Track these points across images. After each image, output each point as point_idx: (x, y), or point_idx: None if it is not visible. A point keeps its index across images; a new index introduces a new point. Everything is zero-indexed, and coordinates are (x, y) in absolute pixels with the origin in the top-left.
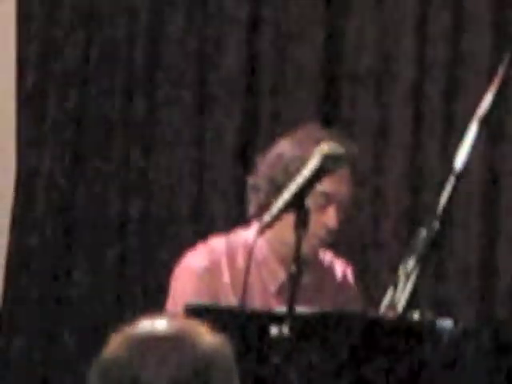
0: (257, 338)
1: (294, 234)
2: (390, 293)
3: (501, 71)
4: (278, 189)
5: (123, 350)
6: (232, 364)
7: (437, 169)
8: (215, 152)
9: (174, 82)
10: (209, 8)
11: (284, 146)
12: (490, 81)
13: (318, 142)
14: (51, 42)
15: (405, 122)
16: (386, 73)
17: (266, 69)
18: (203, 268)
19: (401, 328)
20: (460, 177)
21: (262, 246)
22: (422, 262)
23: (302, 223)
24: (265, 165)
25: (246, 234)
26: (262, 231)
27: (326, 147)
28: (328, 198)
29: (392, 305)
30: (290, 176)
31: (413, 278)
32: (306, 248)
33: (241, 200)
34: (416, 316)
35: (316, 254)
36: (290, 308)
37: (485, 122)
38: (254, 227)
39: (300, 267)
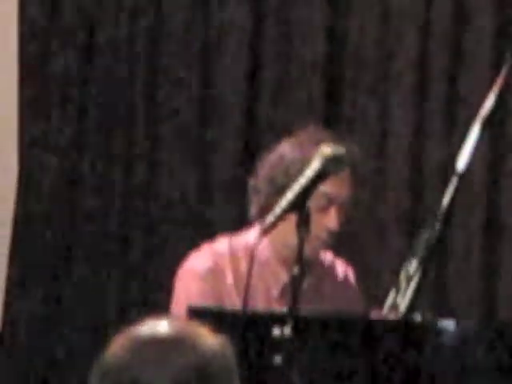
0: (259, 340)
1: (295, 235)
2: (392, 294)
3: (503, 72)
4: (278, 191)
5: (124, 351)
6: (233, 366)
7: (438, 169)
8: (217, 153)
9: (174, 82)
10: (210, 8)
11: (285, 148)
12: (492, 81)
13: (318, 143)
14: (52, 42)
15: (406, 123)
16: (388, 73)
17: (267, 69)
18: (207, 269)
19: (403, 329)
20: (462, 178)
21: (264, 248)
22: (424, 263)
23: (303, 225)
24: (265, 167)
25: (248, 236)
26: (263, 233)
27: (327, 149)
28: (329, 200)
29: (394, 306)
30: (290, 178)
31: (415, 279)
32: (307, 250)
33: (242, 202)
34: (418, 317)
35: (317, 256)
36: (292, 309)
37: (487, 123)
38: (256, 229)
39: (302, 269)
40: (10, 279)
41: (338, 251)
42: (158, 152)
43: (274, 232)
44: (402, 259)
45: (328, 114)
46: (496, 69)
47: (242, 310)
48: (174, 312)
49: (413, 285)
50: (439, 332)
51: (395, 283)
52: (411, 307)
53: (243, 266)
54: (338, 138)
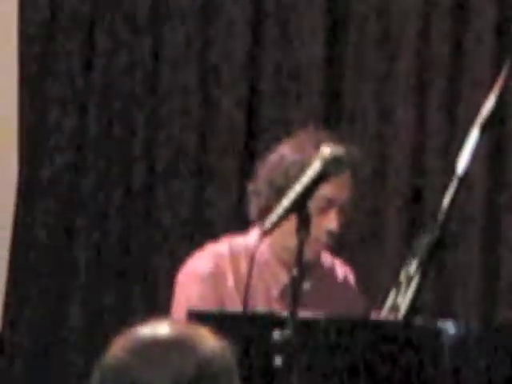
0: (259, 342)
1: (295, 237)
2: (392, 296)
3: (503, 73)
4: (278, 192)
5: (125, 353)
6: (233, 368)
7: (439, 170)
8: (217, 155)
9: (175, 83)
10: (211, 8)
11: (284, 150)
12: (492, 82)
13: (318, 145)
14: (53, 42)
15: (407, 123)
16: (388, 73)
17: (268, 70)
18: (208, 272)
19: (403, 331)
20: (462, 180)
21: (264, 250)
22: (424, 265)
23: (303, 227)
24: (265, 169)
25: (248, 238)
26: (263, 235)
27: (327, 151)
28: (329, 202)
29: (394, 308)
30: (290, 180)
31: (415, 280)
32: (307, 251)
33: (242, 203)
34: (418, 319)
35: (318, 258)
36: (293, 312)
37: (487, 125)
38: (256, 231)
39: (302, 271)
40: (10, 282)
41: (337, 252)
42: (159, 154)
43: (274, 234)
44: (402, 260)
45: (328, 115)
46: (496, 69)
47: (243, 312)
48: (174, 314)
49: (413, 285)
50: (439, 333)
51: (395, 284)
52: (411, 308)
53: (244, 267)
54: (338, 140)
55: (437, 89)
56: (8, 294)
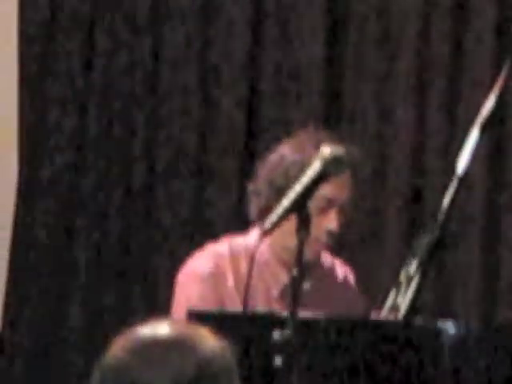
0: (259, 342)
1: (295, 238)
2: (392, 296)
3: (503, 74)
4: (278, 193)
5: (125, 353)
6: (233, 368)
7: (439, 170)
8: (217, 155)
9: (175, 83)
10: (211, 8)
11: (284, 150)
12: (493, 82)
13: (318, 145)
14: (53, 42)
15: (407, 123)
16: (389, 73)
17: (268, 70)
18: (208, 272)
19: (403, 331)
20: (462, 180)
21: (264, 250)
22: (424, 265)
23: (303, 227)
24: (265, 169)
25: (248, 238)
26: (263, 235)
27: (327, 151)
28: (329, 202)
29: (394, 308)
30: (290, 180)
31: (415, 280)
32: (307, 252)
33: (242, 203)
34: (418, 319)
35: (318, 258)
36: (293, 312)
37: (487, 126)
38: (256, 231)
39: (302, 271)
40: (10, 282)
41: (337, 252)
42: (160, 156)
43: (274, 234)
44: (402, 260)
45: (328, 115)
46: (497, 69)
47: (242, 311)
48: (174, 314)
49: (413, 285)
50: (439, 333)
51: (395, 284)
52: (411, 308)
53: (244, 267)
54: (338, 140)
55: (437, 89)
56: (8, 294)
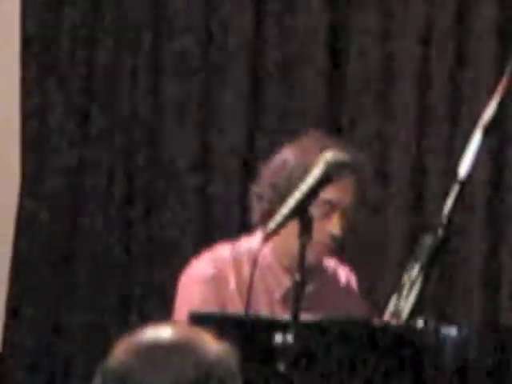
0: (261, 346)
1: (297, 242)
2: (394, 300)
3: (505, 78)
4: (281, 196)
5: (127, 356)
6: (236, 372)
7: (441, 172)
8: (220, 159)
9: (178, 85)
10: (213, 7)
11: (288, 154)
12: (494, 85)
13: (322, 149)
14: (55, 42)
15: (408, 126)
16: (390, 75)
17: (270, 72)
18: (210, 275)
19: (405, 335)
20: (464, 184)
21: (267, 254)
22: (426, 269)
23: (305, 231)
24: (268, 172)
25: (251, 242)
26: (266, 239)
27: (329, 155)
28: (332, 206)
29: (396, 312)
30: (293, 184)
31: (417, 284)
32: (310, 256)
33: (245, 208)
34: (420, 323)
35: (320, 262)
36: (295, 316)
37: (489, 129)
38: (259, 235)
39: (304, 275)
40: (12, 277)
41: (340, 256)
42: (161, 159)
43: (276, 238)
44: (404, 264)
45: (330, 119)
46: (499, 72)
47: (245, 315)
48: (176, 317)
49: (415, 290)
50: (441, 338)
51: (397, 288)
52: (413, 313)
53: (246, 270)
54: (341, 144)
55: (438, 92)
56: (10, 293)
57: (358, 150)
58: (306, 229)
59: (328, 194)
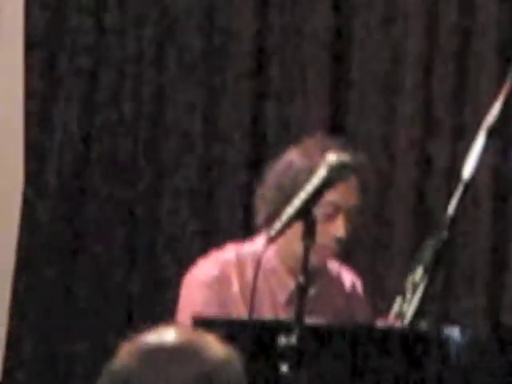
0: (265, 349)
1: (301, 244)
2: (397, 302)
3: (509, 80)
4: (286, 198)
5: (132, 359)
6: (241, 375)
7: (445, 173)
8: (224, 160)
9: (181, 87)
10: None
11: (292, 156)
12: (498, 88)
13: (326, 151)
14: (59, 43)
15: (412, 128)
16: (393, 77)
17: (273, 75)
18: (213, 277)
19: (409, 338)
20: (468, 186)
21: (271, 256)
22: (430, 271)
23: (309, 234)
24: (273, 174)
25: (255, 244)
26: (270, 241)
27: (333, 157)
28: (336, 208)
29: (400, 315)
30: (298, 186)
31: (421, 287)
32: (314, 258)
33: (249, 210)
34: (424, 325)
35: (324, 264)
36: (299, 318)
37: (493, 131)
38: (263, 237)
39: (308, 278)
40: (15, 279)
41: (344, 259)
42: (164, 160)
43: (280, 240)
44: (409, 266)
45: (334, 121)
46: (503, 74)
47: (248, 318)
48: (179, 320)
49: (419, 292)
50: (445, 340)
51: (401, 290)
52: (417, 315)
53: (250, 273)
54: (345, 146)
55: (443, 91)
56: (13, 295)
57: (362, 152)
58: (309, 231)
59: (332, 195)
